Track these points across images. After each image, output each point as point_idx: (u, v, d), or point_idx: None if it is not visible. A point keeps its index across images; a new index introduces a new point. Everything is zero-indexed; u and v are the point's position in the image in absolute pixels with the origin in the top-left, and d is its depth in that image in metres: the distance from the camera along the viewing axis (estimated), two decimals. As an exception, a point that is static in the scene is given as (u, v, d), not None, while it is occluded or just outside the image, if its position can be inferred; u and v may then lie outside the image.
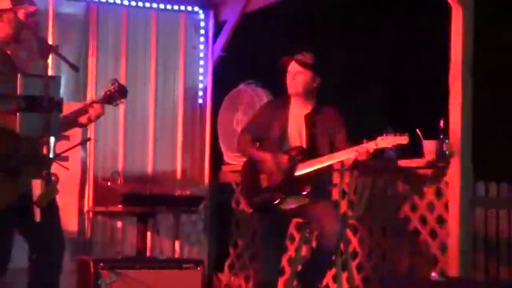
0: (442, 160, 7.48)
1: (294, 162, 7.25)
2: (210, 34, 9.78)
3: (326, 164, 7.19)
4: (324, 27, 9.62)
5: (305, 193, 7.18)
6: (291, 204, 7.24)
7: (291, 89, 7.39)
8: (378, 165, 7.84)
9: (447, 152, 7.42)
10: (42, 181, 5.70)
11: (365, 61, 9.65)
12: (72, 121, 6.27)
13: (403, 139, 6.92)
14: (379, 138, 6.97)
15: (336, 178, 8.02)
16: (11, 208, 5.76)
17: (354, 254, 8.14)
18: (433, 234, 7.74)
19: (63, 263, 6.13)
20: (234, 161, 9.13)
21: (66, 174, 7.83)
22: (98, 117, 6.27)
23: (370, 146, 6.98)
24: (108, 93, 6.31)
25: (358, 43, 9.62)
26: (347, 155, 7.07)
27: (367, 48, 9.62)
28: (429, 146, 7.56)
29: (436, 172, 7.66)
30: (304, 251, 7.69)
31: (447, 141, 7.43)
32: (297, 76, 7.35)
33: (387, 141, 6.95)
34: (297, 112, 7.37)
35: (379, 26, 9.78)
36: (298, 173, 7.21)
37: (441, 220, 7.66)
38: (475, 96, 7.42)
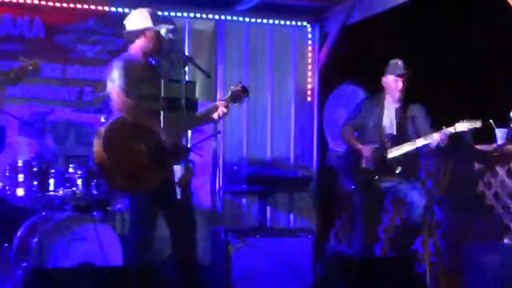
0: (511, 144, 7.40)
1: (386, 147, 7.24)
2: (316, 44, 9.75)
3: (413, 147, 7.13)
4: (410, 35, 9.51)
5: (396, 173, 7.16)
6: (385, 182, 7.22)
7: (387, 92, 7.32)
8: (457, 149, 7.74)
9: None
10: (182, 166, 5.79)
11: (447, 63, 9.55)
12: (205, 117, 6.37)
13: (477, 123, 6.84)
14: (457, 124, 6.90)
15: (422, 161, 7.98)
16: (159, 189, 5.86)
17: (438, 224, 8.03)
18: (505, 207, 7.65)
19: (198, 232, 6.17)
20: (337, 148, 9.02)
21: (200, 161, 7.97)
22: (226, 114, 6.36)
23: (449, 130, 6.92)
24: (234, 93, 6.39)
25: (444, 49, 9.52)
26: (431, 139, 7.00)
27: (451, 53, 9.53)
28: (500, 133, 7.49)
29: (507, 155, 7.55)
30: (396, 221, 7.64)
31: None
32: (395, 85, 7.25)
33: (463, 125, 6.87)
34: (390, 107, 7.29)
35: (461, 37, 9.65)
36: (390, 156, 7.18)
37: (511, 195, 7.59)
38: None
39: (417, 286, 5.99)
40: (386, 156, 7.16)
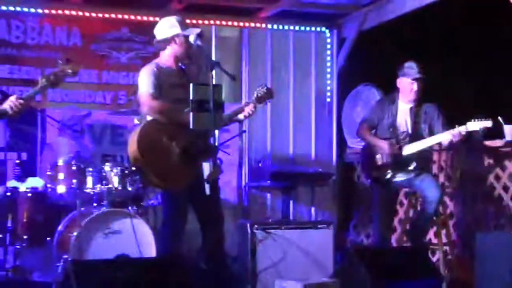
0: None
1: (401, 145, 7.21)
2: (334, 48, 9.74)
3: (427, 145, 7.12)
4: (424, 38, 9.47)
5: (411, 168, 7.13)
6: (400, 176, 7.20)
7: (402, 93, 7.29)
8: (468, 145, 7.70)
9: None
10: (210, 164, 5.76)
11: (459, 65, 9.51)
12: (231, 118, 6.37)
13: (488, 123, 6.79)
14: (468, 123, 6.86)
15: (435, 156, 7.96)
16: (189, 185, 5.88)
17: (451, 215, 8.02)
18: None
19: (226, 225, 6.21)
20: (355, 145, 9.05)
21: (227, 158, 7.95)
22: (251, 114, 6.37)
23: (462, 129, 6.88)
24: (259, 95, 6.40)
25: (457, 49, 9.49)
26: (444, 137, 6.97)
27: (462, 55, 9.49)
28: (509, 130, 7.41)
29: None
30: (411, 213, 7.62)
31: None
32: (409, 87, 7.23)
33: (475, 124, 6.83)
34: (404, 106, 7.27)
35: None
36: (405, 153, 7.16)
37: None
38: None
39: (431, 275, 6.01)
40: (401, 152, 7.16)
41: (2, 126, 7.69)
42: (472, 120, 6.85)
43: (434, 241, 7.77)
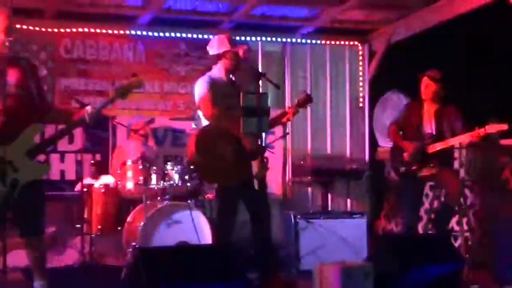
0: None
1: (427, 144, 7.15)
2: (366, 59, 9.74)
3: (449, 145, 7.02)
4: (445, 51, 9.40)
5: (432, 165, 7.07)
6: (425, 172, 7.10)
7: (423, 95, 7.28)
8: (486, 143, 7.62)
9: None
10: (258, 162, 5.79)
11: (479, 74, 9.43)
12: (276, 122, 6.35)
13: (504, 126, 6.67)
14: (487, 126, 6.77)
15: (456, 153, 7.86)
16: (240, 181, 5.90)
17: (471, 206, 7.92)
18: None
19: (272, 216, 6.19)
20: (385, 144, 8.98)
21: (273, 157, 7.96)
22: (293, 118, 6.36)
23: (481, 131, 6.78)
24: (300, 101, 6.36)
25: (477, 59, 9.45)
26: (464, 138, 6.89)
27: (483, 65, 9.41)
28: None
29: None
30: (435, 204, 7.55)
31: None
32: (427, 87, 7.23)
33: (493, 127, 6.73)
34: (428, 110, 7.17)
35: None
36: (430, 151, 7.09)
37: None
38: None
39: (454, 258, 5.92)
40: (427, 151, 7.09)
41: (79, 131, 7.77)
42: (491, 122, 6.78)
43: (456, 228, 7.70)
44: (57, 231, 7.41)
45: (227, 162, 5.85)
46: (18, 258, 5.83)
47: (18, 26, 5.51)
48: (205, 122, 6.03)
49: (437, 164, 7.06)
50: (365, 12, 9.00)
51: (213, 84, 6.00)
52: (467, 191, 7.91)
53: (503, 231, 6.37)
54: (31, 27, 8.35)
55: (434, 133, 7.08)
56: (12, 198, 4.96)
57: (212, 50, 6.15)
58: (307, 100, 6.41)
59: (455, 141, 6.99)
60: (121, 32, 8.76)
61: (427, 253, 5.69)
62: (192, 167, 6.52)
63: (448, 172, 7.14)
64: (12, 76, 5.10)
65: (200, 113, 6.07)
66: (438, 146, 7.00)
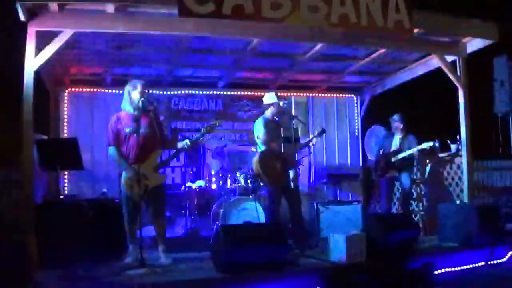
0: (458, 152, 7.27)
1: (392, 156, 7.04)
2: (359, 105, 9.57)
3: (406, 155, 6.98)
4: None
5: (394, 170, 7.07)
6: (392, 174, 7.11)
7: (393, 129, 7.29)
8: (431, 155, 7.59)
9: (459, 147, 7.11)
10: (294, 171, 5.86)
11: (428, 110, 9.40)
12: (303, 145, 6.29)
13: (430, 144, 6.58)
14: (421, 144, 6.75)
15: (414, 162, 7.56)
16: (283, 184, 5.85)
17: (424, 194, 7.81)
18: (457, 184, 7.49)
19: (302, 205, 6.08)
20: (371, 158, 8.78)
21: (302, 168, 7.73)
22: (314, 144, 6.32)
23: (419, 147, 6.76)
24: (318, 132, 6.35)
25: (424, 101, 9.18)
26: (414, 151, 6.88)
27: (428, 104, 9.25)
28: (453, 146, 7.35)
29: (455, 157, 7.44)
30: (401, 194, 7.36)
31: (458, 142, 7.07)
32: (395, 123, 7.25)
33: (424, 144, 6.69)
34: (397, 136, 7.23)
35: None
36: (393, 160, 7.08)
37: (459, 178, 7.41)
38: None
39: (413, 227, 5.97)
40: (392, 160, 7.13)
41: (183, 154, 7.59)
42: (423, 142, 6.77)
43: (416, 209, 7.70)
44: (171, 215, 7.33)
45: (277, 172, 5.79)
46: (149, 231, 5.71)
47: (147, 91, 5.33)
48: (261, 147, 5.94)
49: (397, 169, 7.10)
50: (358, 77, 8.89)
51: (266, 123, 5.96)
52: (422, 185, 7.82)
53: (443, 211, 6.36)
54: (155, 91, 8.42)
55: (398, 150, 7.16)
56: (145, 196, 5.06)
57: (265, 101, 6.10)
58: (322, 132, 6.38)
59: (408, 153, 6.93)
60: (208, 92, 8.73)
61: (398, 225, 5.69)
62: (255, 175, 6.22)
63: (406, 174, 7.06)
64: (144, 121, 5.11)
65: (258, 141, 5.97)
66: (399, 156, 7.02)
